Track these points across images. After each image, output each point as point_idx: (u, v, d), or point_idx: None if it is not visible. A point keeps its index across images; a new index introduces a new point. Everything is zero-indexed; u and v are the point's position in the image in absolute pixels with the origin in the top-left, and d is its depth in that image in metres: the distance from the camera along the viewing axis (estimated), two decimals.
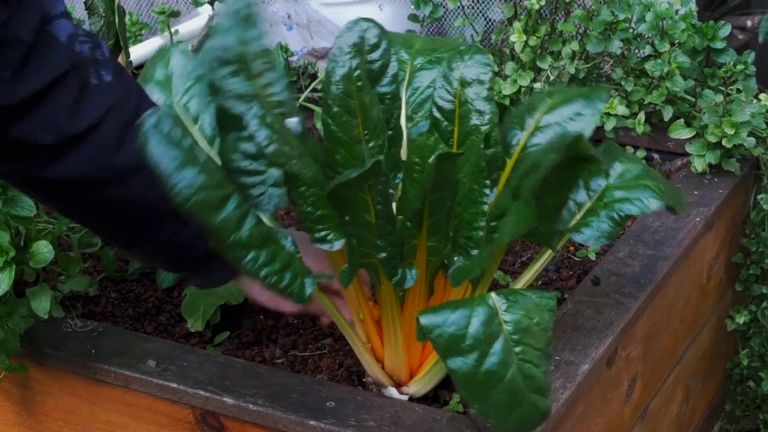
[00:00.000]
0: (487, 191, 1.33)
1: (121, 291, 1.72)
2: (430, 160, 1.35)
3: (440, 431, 1.31)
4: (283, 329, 1.63)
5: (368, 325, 1.43)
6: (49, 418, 1.56)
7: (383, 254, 1.27)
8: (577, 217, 1.41)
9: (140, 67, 2.45)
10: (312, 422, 1.32)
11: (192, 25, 2.48)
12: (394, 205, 1.36)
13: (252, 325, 1.65)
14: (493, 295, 1.19)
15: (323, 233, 1.32)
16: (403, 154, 1.44)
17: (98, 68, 1.27)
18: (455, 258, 1.34)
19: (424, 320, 1.17)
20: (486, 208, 1.33)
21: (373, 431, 1.31)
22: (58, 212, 1.53)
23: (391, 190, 1.35)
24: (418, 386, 1.42)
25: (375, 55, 1.37)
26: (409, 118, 1.48)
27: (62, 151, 1.26)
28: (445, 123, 1.43)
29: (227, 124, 1.30)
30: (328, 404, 1.36)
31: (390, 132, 1.39)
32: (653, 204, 1.39)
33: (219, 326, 1.62)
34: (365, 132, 1.34)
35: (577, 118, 1.40)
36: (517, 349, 1.17)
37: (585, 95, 1.43)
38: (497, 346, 1.17)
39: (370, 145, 1.34)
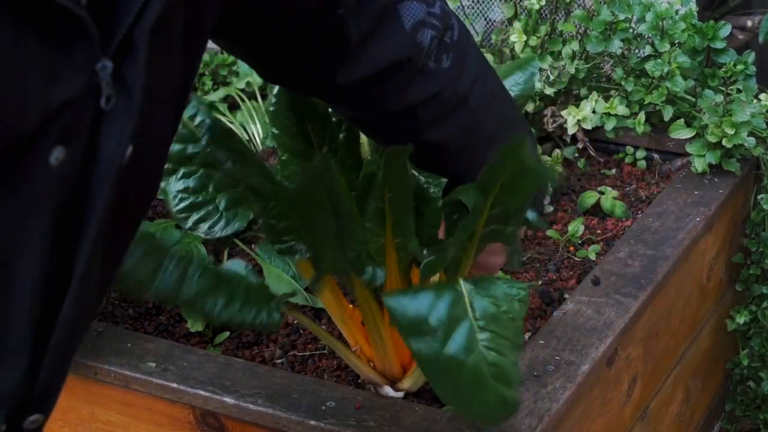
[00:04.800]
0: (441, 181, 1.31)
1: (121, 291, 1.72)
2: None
3: (440, 431, 1.31)
4: (283, 329, 1.63)
5: (353, 327, 1.42)
6: (48, 418, 1.55)
7: (350, 253, 1.26)
8: None
9: None
10: (312, 422, 1.32)
11: None
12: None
13: None
14: (461, 280, 1.18)
15: (289, 244, 1.30)
16: (367, 152, 1.43)
17: (440, 54, 1.20)
18: (424, 252, 1.32)
19: (390, 301, 1.15)
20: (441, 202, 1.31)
21: (373, 431, 1.31)
22: None
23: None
24: (411, 380, 1.41)
25: None
26: None
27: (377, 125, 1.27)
28: None
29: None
30: (328, 404, 1.35)
31: (345, 133, 1.37)
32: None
33: (219, 326, 1.62)
34: (317, 138, 1.33)
35: (516, 88, 1.50)
36: (482, 336, 1.15)
37: (519, 66, 1.53)
38: (461, 330, 1.14)
39: (324, 150, 1.33)
